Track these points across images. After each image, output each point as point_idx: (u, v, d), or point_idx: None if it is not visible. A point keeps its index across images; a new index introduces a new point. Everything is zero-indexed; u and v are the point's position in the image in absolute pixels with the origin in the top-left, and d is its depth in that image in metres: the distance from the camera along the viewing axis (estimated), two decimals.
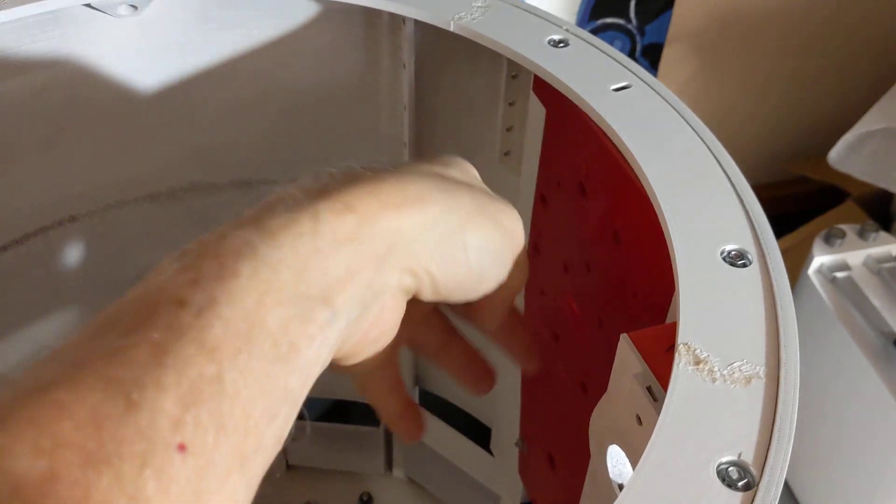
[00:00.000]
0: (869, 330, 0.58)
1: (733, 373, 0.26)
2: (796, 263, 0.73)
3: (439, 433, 0.68)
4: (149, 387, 0.18)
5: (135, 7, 0.44)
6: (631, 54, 0.78)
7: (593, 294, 0.41)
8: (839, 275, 0.62)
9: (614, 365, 0.31)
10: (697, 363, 0.26)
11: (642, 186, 0.33)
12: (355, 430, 0.71)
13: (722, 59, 0.86)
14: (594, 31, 0.75)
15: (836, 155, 0.65)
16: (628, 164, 0.34)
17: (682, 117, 0.36)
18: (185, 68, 0.47)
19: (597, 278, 0.40)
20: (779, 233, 0.94)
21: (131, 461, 0.17)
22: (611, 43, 0.80)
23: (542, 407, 0.52)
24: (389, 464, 0.74)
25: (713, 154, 0.34)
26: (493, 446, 0.64)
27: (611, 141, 0.35)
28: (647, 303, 0.36)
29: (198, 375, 0.19)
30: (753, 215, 0.31)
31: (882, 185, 0.63)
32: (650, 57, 0.79)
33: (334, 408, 0.74)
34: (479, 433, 0.65)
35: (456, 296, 0.31)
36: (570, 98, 0.37)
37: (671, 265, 0.30)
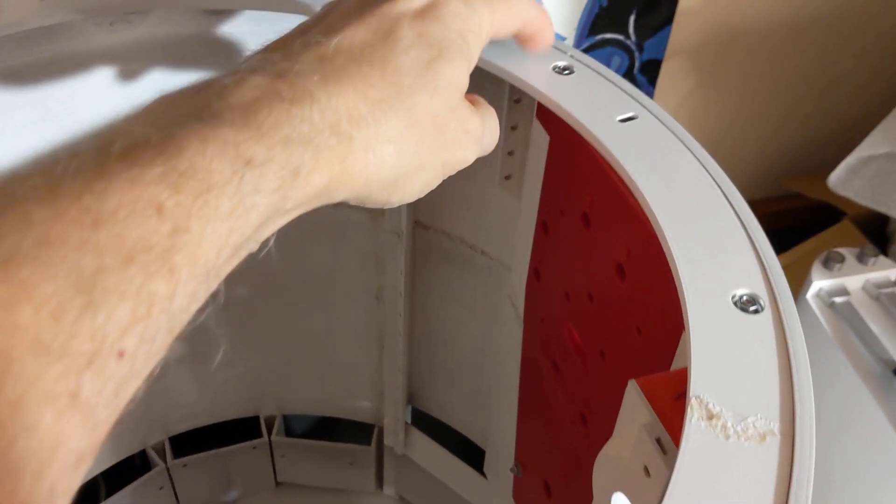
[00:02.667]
0: (868, 357, 0.58)
1: (747, 429, 0.25)
2: (793, 283, 0.72)
3: (432, 452, 0.67)
4: (111, 292, 0.19)
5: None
6: (629, 70, 0.78)
7: (596, 325, 0.40)
8: (838, 300, 0.61)
9: (621, 410, 0.31)
10: (710, 418, 0.26)
11: (649, 222, 0.32)
12: (346, 448, 0.70)
13: (719, 75, 0.85)
14: (593, 47, 0.74)
15: (836, 178, 0.65)
16: (635, 199, 0.33)
17: (691, 151, 0.35)
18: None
19: (600, 310, 0.39)
20: (775, 250, 0.93)
21: (78, 359, 0.18)
22: (609, 58, 0.80)
23: (540, 434, 0.51)
24: (380, 482, 0.73)
25: (723, 191, 0.33)
26: (486, 469, 0.63)
27: (616, 174, 0.34)
28: (653, 340, 0.35)
29: (154, 291, 0.20)
30: (765, 258, 0.31)
31: (882, 209, 0.62)
32: (648, 73, 0.79)
33: (325, 425, 0.73)
34: (472, 454, 0.64)
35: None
36: (575, 127, 0.36)
37: (679, 304, 0.29)
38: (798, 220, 1.00)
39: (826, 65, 0.91)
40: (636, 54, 0.77)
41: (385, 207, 0.31)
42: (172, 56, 0.45)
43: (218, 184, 0.22)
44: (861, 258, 0.62)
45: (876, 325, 0.60)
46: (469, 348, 0.58)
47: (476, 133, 0.32)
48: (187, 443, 0.68)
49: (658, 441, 0.28)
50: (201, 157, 0.22)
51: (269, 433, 0.70)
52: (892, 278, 0.63)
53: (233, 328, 0.63)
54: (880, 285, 0.62)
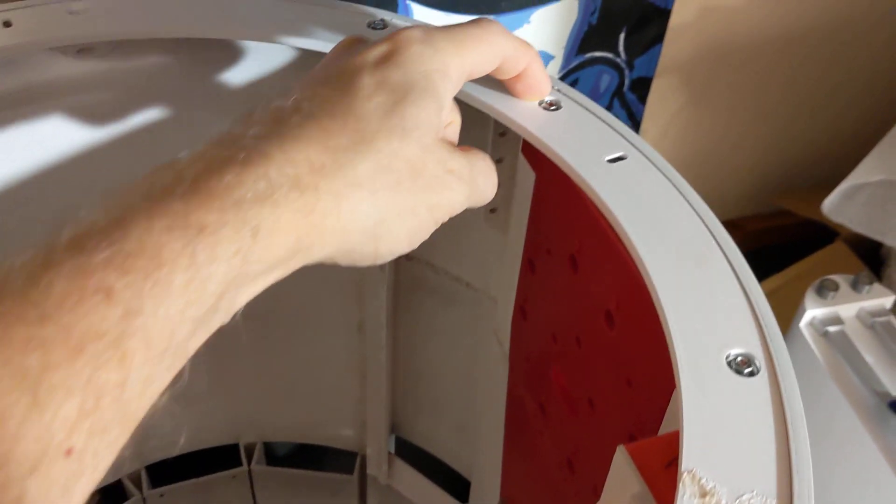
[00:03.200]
0: (862, 389, 0.56)
1: None
2: (784, 305, 0.71)
3: (416, 483, 0.66)
4: (58, 389, 0.19)
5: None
6: (619, 88, 0.76)
7: (583, 372, 0.39)
8: (831, 329, 0.60)
9: (609, 475, 0.29)
10: (703, 495, 0.24)
11: (639, 272, 0.31)
12: (328, 477, 0.68)
13: (710, 92, 0.84)
14: (582, 65, 0.73)
15: (829, 205, 0.63)
16: (624, 247, 0.32)
17: (682, 195, 0.33)
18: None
19: (588, 356, 0.38)
20: (765, 266, 0.92)
21: (23, 463, 0.18)
22: (599, 77, 0.78)
23: (526, 473, 0.49)
24: None
25: (716, 240, 0.31)
26: (472, 502, 0.61)
27: (605, 219, 0.33)
28: (644, 394, 0.33)
29: (104, 381, 0.19)
30: (760, 314, 0.29)
31: (877, 237, 0.61)
32: (638, 91, 0.77)
33: (307, 453, 0.71)
34: (458, 486, 0.63)
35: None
36: (562, 167, 0.35)
37: (671, 361, 0.28)
38: (789, 237, 0.99)
39: (817, 81, 0.90)
40: (626, 72, 0.75)
41: (378, 262, 0.29)
42: (140, 86, 0.43)
43: (169, 259, 0.21)
44: (855, 286, 0.61)
45: (870, 356, 0.58)
46: (455, 381, 0.57)
47: (462, 172, 0.30)
48: (165, 472, 0.66)
49: None
50: (148, 235, 0.21)
51: (250, 461, 0.68)
52: (888, 306, 0.61)
53: (212, 355, 0.61)
54: (875, 314, 0.61)
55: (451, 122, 0.33)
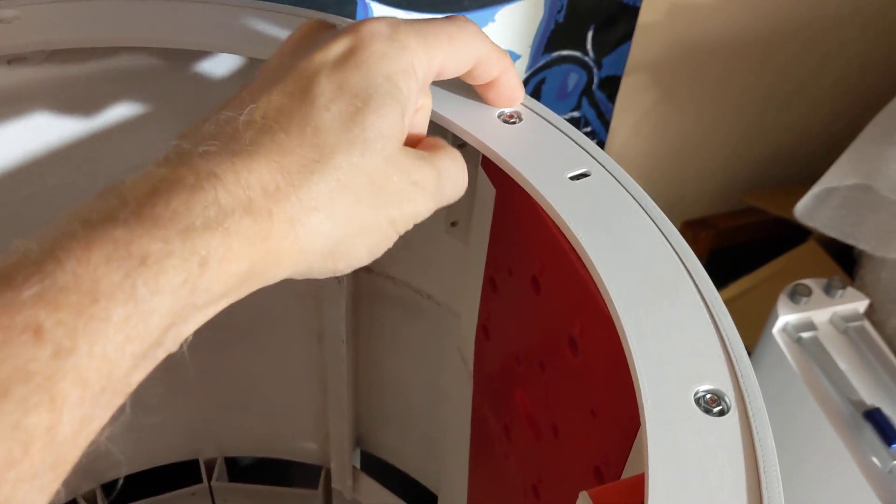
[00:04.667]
0: (837, 398, 0.55)
1: None
2: (757, 307, 0.70)
3: (381, 498, 0.64)
4: None
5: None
6: (588, 87, 0.74)
7: (548, 397, 0.37)
8: (805, 335, 0.59)
9: None
10: None
11: (603, 299, 0.29)
12: (292, 493, 0.66)
13: (680, 90, 0.82)
14: (549, 64, 0.71)
15: (802, 208, 0.62)
16: (587, 271, 0.30)
17: (649, 215, 0.31)
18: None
19: (551, 382, 0.36)
20: (737, 266, 0.90)
21: None
22: (567, 76, 0.77)
23: (492, 495, 0.48)
24: None
25: (683, 264, 0.30)
26: None
27: (567, 241, 0.31)
28: (609, 425, 0.32)
29: (34, 426, 0.18)
30: (730, 345, 0.27)
31: (850, 241, 0.60)
32: (607, 90, 0.76)
33: (270, 468, 0.69)
34: (424, 501, 0.61)
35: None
36: (522, 185, 0.33)
37: (636, 397, 0.26)
38: (762, 234, 0.98)
39: (787, 78, 0.89)
40: (595, 71, 0.74)
41: (336, 275, 0.28)
42: (77, 95, 0.41)
43: (106, 293, 0.19)
44: (828, 290, 0.60)
45: (844, 363, 0.57)
46: (420, 395, 0.55)
47: (427, 183, 0.29)
48: (121, 491, 0.64)
49: None
50: (85, 266, 0.19)
51: (210, 478, 0.66)
52: (861, 311, 0.60)
53: (167, 368, 0.59)
54: (848, 318, 0.60)
55: (421, 107, 0.31)
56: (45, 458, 0.18)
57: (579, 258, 0.30)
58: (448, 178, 0.30)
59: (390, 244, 0.29)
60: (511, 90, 0.34)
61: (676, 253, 0.30)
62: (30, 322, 0.18)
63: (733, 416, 0.26)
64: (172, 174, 0.23)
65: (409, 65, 0.28)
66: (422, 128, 0.32)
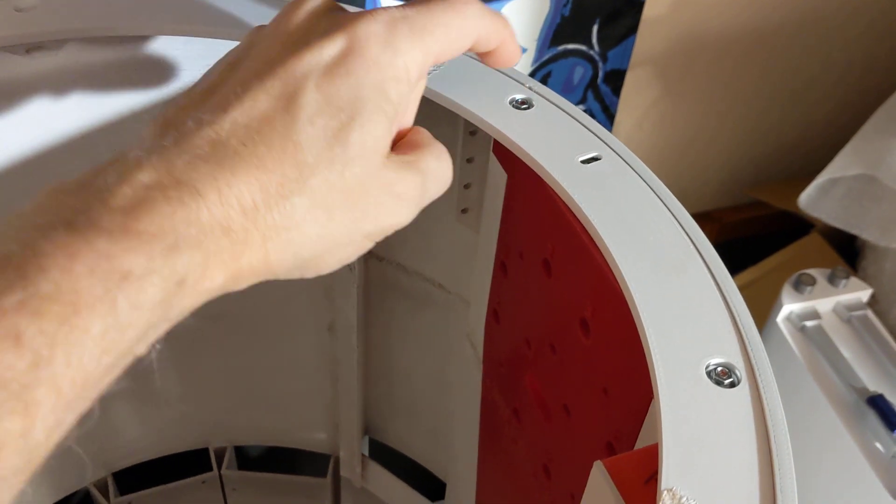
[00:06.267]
0: (840, 385, 0.56)
1: None
2: (761, 298, 0.70)
3: (391, 486, 0.64)
4: None
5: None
6: (593, 81, 0.75)
7: (558, 379, 0.38)
8: (809, 324, 0.59)
9: (586, 491, 0.28)
10: None
11: (615, 279, 0.30)
12: (301, 481, 0.67)
13: (684, 84, 0.83)
14: (555, 58, 0.72)
15: (806, 199, 0.63)
16: (599, 251, 0.31)
17: (659, 197, 0.32)
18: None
19: (563, 363, 0.37)
20: (742, 258, 0.91)
21: None
22: (572, 70, 0.77)
23: (501, 479, 0.48)
24: None
25: (694, 244, 0.30)
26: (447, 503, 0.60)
27: (579, 223, 0.32)
28: (622, 403, 0.32)
29: (7, 430, 0.18)
30: (740, 320, 0.28)
31: (854, 231, 0.61)
32: (612, 83, 0.76)
33: (280, 457, 0.69)
34: (433, 488, 0.62)
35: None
36: (534, 168, 0.33)
37: (648, 371, 0.27)
38: (766, 228, 0.98)
39: (791, 73, 0.89)
40: (600, 64, 0.74)
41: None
42: (95, 83, 0.41)
43: (87, 304, 0.19)
44: (832, 280, 0.60)
45: (848, 351, 0.58)
46: (428, 383, 0.56)
47: (410, 194, 0.28)
48: (132, 479, 0.65)
49: None
50: (68, 277, 0.19)
51: (220, 466, 0.66)
52: (864, 300, 0.61)
53: (179, 359, 0.60)
54: (852, 308, 0.60)
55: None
56: (16, 461, 0.19)
57: (591, 239, 0.31)
58: (433, 180, 0.29)
59: (363, 252, 0.29)
60: (510, 54, 0.33)
61: (686, 232, 0.30)
62: (10, 330, 0.18)
63: (744, 388, 0.26)
64: (156, 185, 0.23)
65: (403, 69, 0.28)
66: (409, 117, 0.31)
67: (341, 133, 0.26)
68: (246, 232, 0.24)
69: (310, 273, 0.27)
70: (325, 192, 0.26)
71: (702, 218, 0.94)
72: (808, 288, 0.60)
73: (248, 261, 0.24)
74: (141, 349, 0.22)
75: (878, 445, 0.53)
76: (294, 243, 0.25)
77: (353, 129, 0.26)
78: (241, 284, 0.25)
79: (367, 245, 0.28)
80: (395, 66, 0.27)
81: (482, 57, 0.33)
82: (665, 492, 0.23)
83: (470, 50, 0.32)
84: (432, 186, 0.30)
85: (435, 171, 0.29)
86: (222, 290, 0.24)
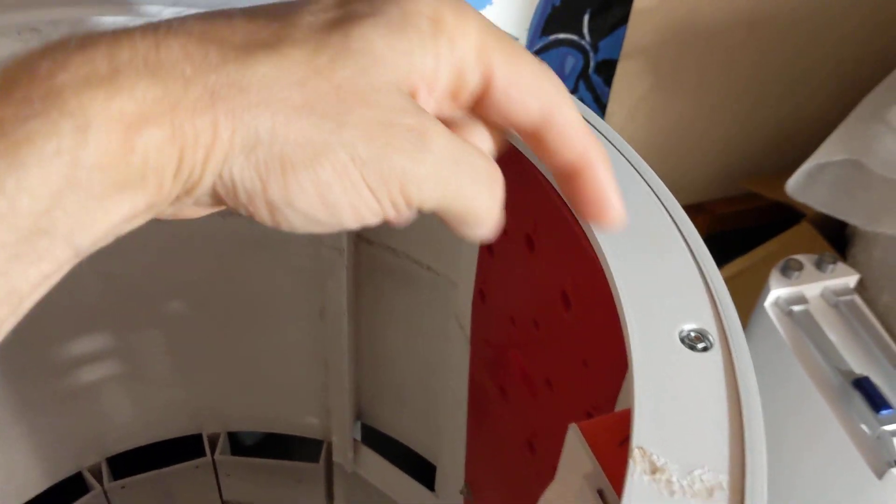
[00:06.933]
0: (826, 368, 0.57)
1: (693, 483, 0.23)
2: (750, 286, 0.71)
3: (382, 470, 0.65)
4: None
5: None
6: (584, 71, 0.76)
7: (541, 354, 0.38)
8: (796, 308, 0.60)
9: (562, 454, 0.28)
10: (654, 471, 0.24)
11: (593, 251, 0.30)
12: (294, 466, 0.68)
13: (677, 74, 0.84)
14: (546, 47, 0.72)
15: (794, 184, 0.63)
16: (579, 224, 0.31)
17: (636, 170, 0.33)
18: None
19: (545, 338, 0.37)
20: (733, 250, 0.91)
21: None
22: (563, 60, 0.78)
23: (489, 456, 0.49)
24: (330, 500, 0.70)
25: (671, 216, 0.31)
26: (437, 486, 0.61)
27: (560, 197, 0.32)
28: (600, 373, 0.33)
29: None
30: (715, 290, 0.29)
31: (842, 216, 0.61)
32: (604, 73, 0.77)
33: (272, 442, 0.70)
34: (424, 471, 0.62)
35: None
36: (514, 143, 0.34)
37: (624, 342, 0.27)
38: (757, 219, 0.99)
39: (784, 66, 0.90)
40: (591, 54, 0.75)
41: (281, 227, 0.22)
42: None
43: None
44: (819, 265, 0.61)
45: (834, 335, 0.59)
46: (418, 366, 0.56)
47: (432, 140, 0.22)
48: (126, 463, 0.65)
49: (600, 493, 0.26)
50: None
51: (213, 451, 0.67)
52: (851, 285, 0.62)
53: (170, 344, 0.60)
54: (839, 293, 0.61)
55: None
56: None
57: (571, 213, 0.32)
58: (468, 165, 0.24)
59: (359, 203, 0.22)
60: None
61: (664, 205, 0.31)
62: None
63: (716, 353, 0.27)
64: (55, 44, 0.19)
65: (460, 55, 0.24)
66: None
67: (345, 24, 0.22)
68: (184, 77, 0.19)
69: (274, 187, 0.21)
70: (303, 70, 0.20)
71: (694, 209, 0.95)
72: (796, 273, 0.60)
73: (190, 120, 0.19)
74: (66, 237, 0.19)
75: (864, 426, 0.53)
76: (249, 113, 0.20)
77: (366, 27, 0.21)
78: (195, 172, 0.20)
79: (356, 177, 0.21)
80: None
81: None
82: (636, 449, 0.24)
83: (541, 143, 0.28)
84: (467, 181, 0.25)
85: (475, 163, 0.25)
86: (164, 166, 0.19)
